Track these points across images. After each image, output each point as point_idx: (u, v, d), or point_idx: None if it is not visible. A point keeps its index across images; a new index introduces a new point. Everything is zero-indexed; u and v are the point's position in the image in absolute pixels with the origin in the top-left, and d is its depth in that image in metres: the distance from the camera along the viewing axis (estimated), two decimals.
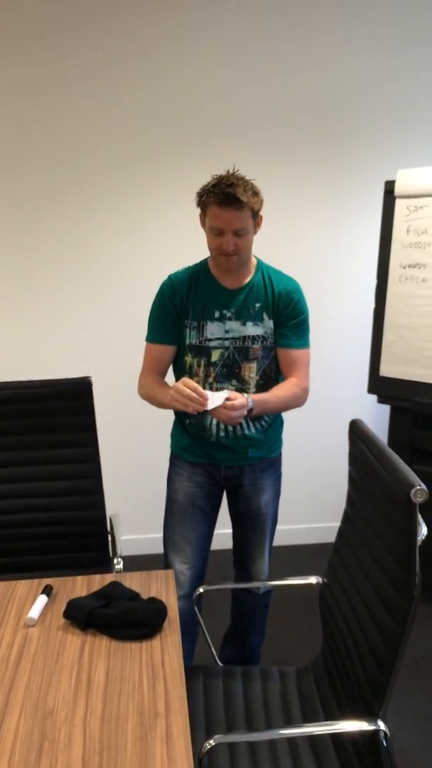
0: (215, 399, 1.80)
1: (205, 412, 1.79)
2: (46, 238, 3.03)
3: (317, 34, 2.98)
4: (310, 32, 2.97)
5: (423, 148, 3.15)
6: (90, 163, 2.98)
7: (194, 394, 1.77)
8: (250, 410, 1.85)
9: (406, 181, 2.70)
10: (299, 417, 3.06)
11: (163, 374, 2.07)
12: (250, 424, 2.03)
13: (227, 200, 1.77)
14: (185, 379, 1.82)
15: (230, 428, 2.01)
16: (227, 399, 1.79)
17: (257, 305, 1.97)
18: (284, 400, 1.96)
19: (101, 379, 3.02)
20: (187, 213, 3.03)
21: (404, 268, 2.74)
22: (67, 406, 2.14)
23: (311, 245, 3.18)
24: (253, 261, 2.01)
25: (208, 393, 1.80)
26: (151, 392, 2.01)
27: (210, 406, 1.79)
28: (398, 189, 2.72)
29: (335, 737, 1.53)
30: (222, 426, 2.01)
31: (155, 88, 2.94)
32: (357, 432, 1.65)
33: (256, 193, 1.83)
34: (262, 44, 2.96)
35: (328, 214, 3.17)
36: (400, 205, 2.73)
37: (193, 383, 1.80)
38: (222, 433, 2.02)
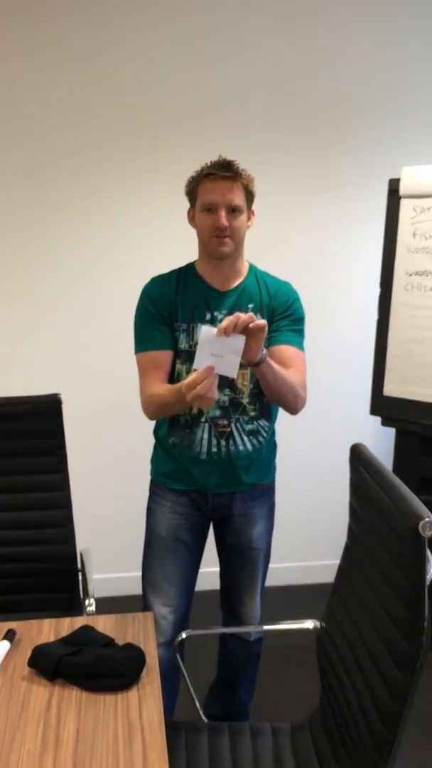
0: (228, 362, 1.67)
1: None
2: (14, 252, 3.05)
3: (316, 26, 3.04)
4: (309, 24, 3.04)
5: (431, 143, 3.20)
6: (63, 172, 3.03)
7: (207, 384, 1.67)
8: (261, 361, 1.78)
9: (412, 179, 2.75)
10: (294, 442, 3.06)
11: (166, 381, 1.99)
12: (245, 437, 2.02)
13: (221, 168, 1.87)
14: (185, 382, 1.71)
15: (222, 444, 2.00)
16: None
17: (250, 306, 2.00)
18: (287, 378, 1.90)
19: (71, 397, 3.02)
20: (167, 223, 3.06)
21: (410, 275, 2.78)
22: (33, 426, 2.14)
23: (307, 250, 3.22)
24: (246, 264, 2.05)
25: (203, 344, 1.69)
26: (164, 399, 1.91)
27: (223, 371, 1.68)
28: (403, 188, 2.77)
29: None
30: (215, 441, 2.00)
31: (147, 84, 2.99)
32: (359, 458, 1.66)
33: (248, 175, 1.92)
34: (259, 37, 3.02)
35: (326, 216, 3.21)
36: (405, 206, 2.78)
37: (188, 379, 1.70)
38: (214, 449, 2.01)
